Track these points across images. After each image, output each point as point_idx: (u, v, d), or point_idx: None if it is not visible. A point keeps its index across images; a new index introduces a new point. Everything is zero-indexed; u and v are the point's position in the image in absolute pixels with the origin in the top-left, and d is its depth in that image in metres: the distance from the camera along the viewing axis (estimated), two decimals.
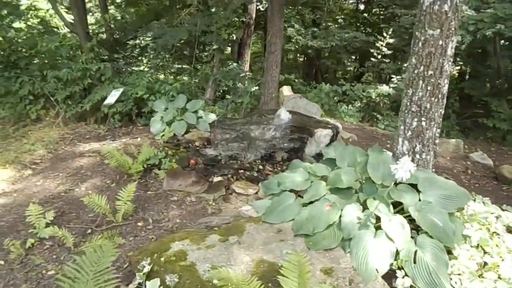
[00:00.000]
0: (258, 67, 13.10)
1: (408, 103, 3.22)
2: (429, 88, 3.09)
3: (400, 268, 2.45)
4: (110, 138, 5.57)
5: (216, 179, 4.00)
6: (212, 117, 5.92)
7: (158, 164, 4.20)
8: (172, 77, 8.69)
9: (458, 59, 8.90)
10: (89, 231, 3.15)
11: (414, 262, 2.43)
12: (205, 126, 5.66)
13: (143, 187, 3.90)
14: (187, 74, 9.39)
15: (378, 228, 2.58)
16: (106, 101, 5.46)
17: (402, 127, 3.30)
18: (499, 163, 5.71)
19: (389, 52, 9.09)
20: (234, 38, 8.42)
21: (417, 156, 3.23)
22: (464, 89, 8.52)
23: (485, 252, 2.59)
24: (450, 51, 3.04)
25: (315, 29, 11.27)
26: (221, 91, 9.10)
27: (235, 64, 8.93)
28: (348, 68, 12.08)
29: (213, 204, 3.57)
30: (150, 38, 9.25)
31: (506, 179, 4.68)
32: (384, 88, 8.32)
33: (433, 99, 3.10)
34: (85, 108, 6.41)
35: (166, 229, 3.18)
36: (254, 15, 9.85)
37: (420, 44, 3.09)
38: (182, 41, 8.93)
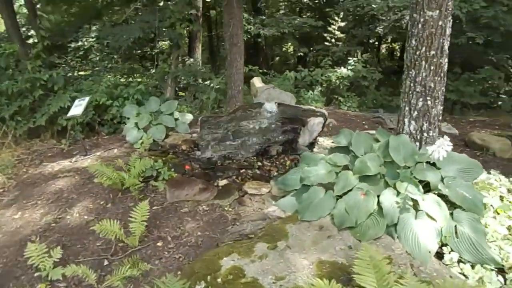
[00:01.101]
0: (206, 59, 12.75)
1: (412, 84, 3.32)
2: (432, 68, 3.20)
3: (444, 245, 2.54)
4: (79, 153, 5.02)
5: (222, 182, 3.80)
6: (189, 117, 5.63)
7: (155, 176, 3.87)
8: (130, 79, 8.07)
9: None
10: (106, 262, 2.81)
11: (457, 237, 2.53)
12: (185, 128, 5.37)
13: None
14: (141, 75, 8.81)
15: (415, 209, 2.64)
16: (71, 113, 4.89)
17: (407, 108, 3.40)
18: (460, 131, 6.22)
19: (342, 35, 9.36)
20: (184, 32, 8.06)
21: (425, 134, 3.35)
22: None
23: (508, 217, 2.78)
24: (448, 31, 3.16)
25: (263, 17, 11.21)
26: (176, 88, 8.68)
27: (191, 59, 8.56)
28: (299, 54, 12.23)
29: (230, 209, 3.38)
30: (94, 39, 8.47)
31: (477, 145, 5.10)
32: (343, 71, 8.57)
33: (436, 78, 3.22)
34: (39, 124, 5.72)
35: (191, 245, 2.95)
36: (201, 7, 9.52)
37: (419, 25, 3.18)
38: (132, 40, 8.32)
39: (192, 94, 7.92)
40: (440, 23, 3.11)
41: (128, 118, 5.37)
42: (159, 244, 2.98)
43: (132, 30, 7.04)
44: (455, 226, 2.57)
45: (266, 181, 3.76)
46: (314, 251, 2.39)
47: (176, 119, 5.41)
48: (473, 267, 2.39)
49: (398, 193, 2.73)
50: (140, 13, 7.98)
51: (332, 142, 4.06)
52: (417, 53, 3.23)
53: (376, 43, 13.07)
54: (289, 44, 12.06)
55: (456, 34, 7.61)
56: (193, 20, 7.75)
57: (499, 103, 7.75)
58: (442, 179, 2.84)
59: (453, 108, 8.06)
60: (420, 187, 2.79)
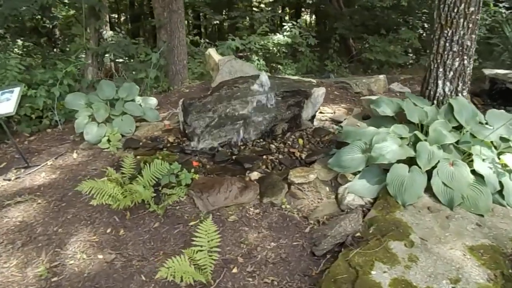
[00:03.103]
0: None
1: (448, 44, 3.20)
2: (470, 25, 3.12)
3: None
4: (16, 166, 3.64)
5: (253, 175, 3.17)
6: (153, 102, 4.63)
7: (175, 183, 2.99)
8: (29, 60, 6.18)
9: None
10: None
11: None
12: (155, 115, 4.40)
13: (174, 219, 2.74)
14: (41, 53, 6.89)
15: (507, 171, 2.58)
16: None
17: (441, 69, 3.29)
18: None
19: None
20: None
21: (459, 94, 3.32)
22: (338, 29, 9.32)
23: None
24: None
25: None
26: (100, 68, 7.16)
27: (110, 32, 7.06)
28: (215, 22, 11.38)
29: (288, 207, 2.83)
30: None
31: None
32: (280, 37, 8.26)
33: (473, 36, 3.16)
34: None
35: (275, 262, 2.35)
36: None
37: None
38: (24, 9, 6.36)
39: (122, 73, 6.58)
40: None
41: (76, 111, 4.09)
42: (234, 271, 2.30)
43: None
44: None
45: (303, 166, 3.28)
46: (451, 238, 2.11)
47: (139, 105, 4.35)
48: None
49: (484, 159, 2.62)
50: None
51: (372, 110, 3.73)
52: (455, 10, 3.10)
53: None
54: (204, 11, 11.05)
55: None
56: None
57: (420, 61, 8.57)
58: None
59: (382, 68, 8.59)
60: (493, 148, 2.74)
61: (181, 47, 6.24)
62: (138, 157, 3.42)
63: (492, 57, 6.98)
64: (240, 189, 2.90)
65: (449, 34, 3.17)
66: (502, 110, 3.17)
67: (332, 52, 9.21)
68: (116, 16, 11.07)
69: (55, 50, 7.58)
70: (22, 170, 3.56)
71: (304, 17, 15.24)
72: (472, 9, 3.07)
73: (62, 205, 2.96)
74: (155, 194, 2.82)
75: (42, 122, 5.09)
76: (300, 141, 3.86)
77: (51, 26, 7.49)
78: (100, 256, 2.43)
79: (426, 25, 9.33)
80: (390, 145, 2.74)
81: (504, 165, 2.60)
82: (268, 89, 4.08)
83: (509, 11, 8.52)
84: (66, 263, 2.41)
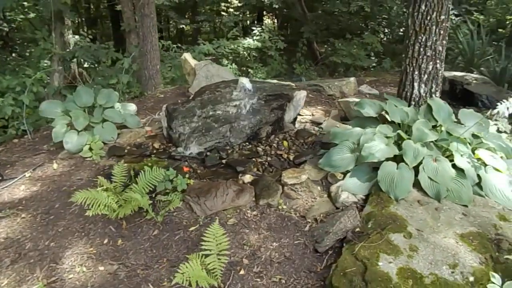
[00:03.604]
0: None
1: (422, 49, 3.45)
2: (441, 32, 3.39)
3: None
4: None
5: (246, 178, 3.21)
6: (132, 108, 4.52)
7: (170, 189, 2.95)
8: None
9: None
10: None
11: None
12: (136, 122, 4.31)
13: (173, 226, 2.72)
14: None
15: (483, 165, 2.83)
16: None
17: (416, 72, 3.53)
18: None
19: (240, 3, 9.02)
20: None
21: (433, 95, 3.59)
22: (304, 34, 9.60)
23: None
24: None
25: None
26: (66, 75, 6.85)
27: (76, 36, 6.78)
28: (180, 27, 11.26)
29: (284, 207, 2.90)
30: None
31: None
32: (251, 42, 8.36)
33: (444, 42, 3.44)
34: None
35: (280, 261, 2.41)
36: None
37: None
38: None
39: (90, 79, 6.34)
40: None
41: (52, 119, 3.91)
42: (241, 272, 2.33)
43: None
44: None
45: (292, 167, 3.38)
46: (443, 228, 2.29)
47: (120, 112, 4.24)
48: None
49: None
50: None
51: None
52: (428, 18, 3.35)
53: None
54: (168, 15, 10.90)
55: (350, 2, 8.37)
56: None
57: (382, 64, 9.04)
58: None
59: (348, 70, 8.96)
60: (468, 144, 2.99)
61: (154, 52, 6.15)
62: (125, 164, 3.34)
63: (448, 61, 7.54)
64: (236, 192, 2.94)
65: (423, 40, 3.42)
66: (471, 110, 3.47)
67: (300, 56, 9.47)
68: (76, 21, 10.62)
69: (13, 55, 7.13)
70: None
71: (266, 21, 15.49)
72: (443, 17, 3.34)
73: (50, 218, 2.83)
74: (151, 202, 2.78)
75: (7, 132, 4.80)
76: (285, 143, 3.96)
77: (7, 30, 7.03)
78: (101, 268, 2.36)
79: (386, 30, 9.87)
80: (378, 144, 2.91)
81: (479, 160, 2.85)
82: (251, 93, 4.15)
83: (458, 17, 9.26)
84: (65, 277, 2.31)
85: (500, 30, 11.60)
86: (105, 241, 2.58)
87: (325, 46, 11.85)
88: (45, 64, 6.24)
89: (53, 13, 5.39)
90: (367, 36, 9.07)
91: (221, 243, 2.23)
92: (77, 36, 6.81)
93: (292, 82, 7.03)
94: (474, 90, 5.56)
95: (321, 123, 4.49)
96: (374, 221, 2.41)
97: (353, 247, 2.23)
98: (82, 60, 6.39)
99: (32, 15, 6.71)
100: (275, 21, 16.42)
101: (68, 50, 6.10)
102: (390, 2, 9.19)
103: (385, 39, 10.04)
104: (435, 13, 3.32)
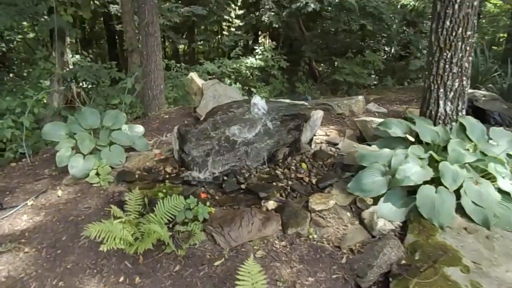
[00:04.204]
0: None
1: (447, 66, 3.32)
2: (467, 48, 3.27)
3: None
4: None
5: (270, 205, 2.99)
6: (140, 130, 4.29)
7: (191, 218, 2.70)
8: None
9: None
10: None
11: None
12: (144, 144, 4.08)
13: (196, 260, 2.46)
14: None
15: None
16: None
17: (441, 90, 3.39)
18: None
19: (241, 23, 8.98)
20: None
21: (460, 114, 3.44)
22: (305, 53, 9.57)
23: None
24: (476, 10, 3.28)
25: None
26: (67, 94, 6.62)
27: (77, 56, 6.60)
28: (180, 47, 11.18)
29: (315, 236, 2.67)
30: None
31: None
32: (253, 60, 8.27)
33: (470, 58, 3.32)
34: None
35: None
36: None
37: (456, 6, 3.17)
38: None
39: (92, 100, 6.12)
40: (475, 2, 3.18)
41: (56, 142, 3.66)
42: None
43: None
44: None
45: (316, 192, 3.16)
46: (503, 260, 2.09)
47: (128, 134, 4.02)
48: None
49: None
50: None
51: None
52: (453, 34, 3.23)
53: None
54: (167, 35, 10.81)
55: (350, 22, 8.38)
56: (80, 3, 5.87)
57: (385, 82, 9.01)
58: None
59: (350, 89, 8.90)
60: (506, 165, 2.82)
61: (158, 72, 5.98)
62: (138, 191, 3.09)
63: None
64: (262, 221, 2.70)
65: (448, 56, 3.30)
66: (501, 128, 3.32)
67: (302, 75, 9.40)
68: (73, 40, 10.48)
69: (10, 75, 6.90)
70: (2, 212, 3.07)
71: (261, 40, 15.53)
72: (469, 32, 3.23)
73: (57, 252, 2.55)
74: (170, 233, 2.53)
75: (4, 155, 4.52)
76: (304, 165, 3.76)
77: (5, 50, 6.82)
78: None
79: (386, 48, 9.90)
80: (412, 166, 2.72)
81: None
82: (266, 114, 3.98)
83: None
84: None
85: (493, 47, 11.78)
86: (121, 279, 2.31)
87: (321, 65, 11.88)
88: (44, 85, 6.02)
89: (55, 32, 5.22)
90: (368, 54, 9.06)
91: (258, 281, 1.98)
92: (77, 56, 6.63)
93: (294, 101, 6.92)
94: (485, 107, 5.46)
95: (337, 144, 4.31)
96: (421, 252, 2.19)
97: (403, 283, 2.00)
98: (79, 80, 6.17)
99: (31, 35, 6.51)
100: (270, 40, 16.55)
101: (67, 69, 5.89)
102: (390, 20, 9.24)
103: (385, 57, 10.06)
104: (460, 28, 3.21)
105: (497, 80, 6.70)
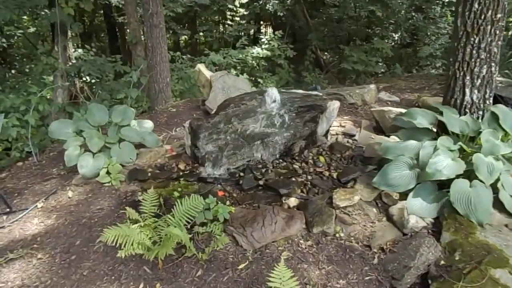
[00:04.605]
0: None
1: (475, 51, 3.12)
2: (497, 32, 3.07)
3: None
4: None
5: (291, 202, 2.84)
6: (149, 125, 4.14)
7: (211, 219, 2.56)
8: None
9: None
10: None
11: None
12: (155, 141, 3.93)
13: (218, 263, 2.32)
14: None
15: None
16: None
17: (468, 77, 3.20)
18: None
19: (246, 12, 8.73)
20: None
21: (487, 102, 3.26)
22: (312, 41, 9.33)
23: None
24: None
25: None
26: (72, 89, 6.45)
27: (79, 50, 6.41)
28: (182, 38, 10.94)
29: (342, 235, 2.53)
30: None
31: (431, 108, 5.53)
32: (259, 50, 8.06)
33: (499, 43, 3.12)
34: None
35: None
36: None
37: None
38: None
39: (97, 95, 5.95)
40: None
41: (64, 141, 3.51)
42: None
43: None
44: None
45: (337, 186, 3.02)
46: None
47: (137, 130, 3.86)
48: None
49: None
50: None
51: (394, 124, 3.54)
52: (482, 17, 3.04)
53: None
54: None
55: (356, 8, 8.13)
56: None
57: (395, 69, 8.78)
58: None
59: (359, 77, 8.69)
60: None
61: (164, 64, 5.80)
62: (152, 190, 2.95)
63: None
64: (286, 220, 2.56)
65: (476, 42, 3.10)
66: None
67: (308, 64, 9.18)
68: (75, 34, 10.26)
69: (12, 71, 6.72)
70: (5, 216, 2.95)
71: (263, 30, 15.23)
72: (499, 15, 3.03)
73: (72, 258, 2.43)
74: (190, 235, 2.40)
75: (10, 154, 4.39)
76: (322, 158, 3.61)
77: (5, 45, 6.63)
78: None
79: (394, 35, 9.65)
80: (444, 159, 2.56)
81: None
82: (280, 105, 3.81)
83: None
84: None
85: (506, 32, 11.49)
86: (141, 286, 2.18)
87: (325, 53, 11.62)
88: (47, 80, 5.85)
89: (57, 26, 5.03)
90: (376, 41, 8.82)
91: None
92: (80, 50, 6.44)
93: (309, 92, 6.72)
94: (503, 93, 5.25)
95: (354, 135, 4.15)
96: (461, 252, 2.05)
97: (444, 285, 1.86)
98: (82, 74, 6.00)
99: (32, 29, 6.30)
100: (272, 30, 16.24)
101: (70, 64, 5.71)
102: (398, 6, 8.98)
103: (392, 44, 9.81)
104: (490, 11, 3.00)
105: None
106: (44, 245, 2.56)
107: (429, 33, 9.37)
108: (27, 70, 6.54)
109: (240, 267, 2.28)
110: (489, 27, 3.03)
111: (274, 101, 3.84)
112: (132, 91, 5.54)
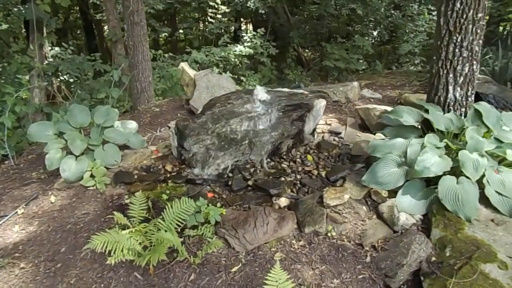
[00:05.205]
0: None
1: (457, 50, 3.19)
2: (478, 31, 3.15)
3: None
4: None
5: (282, 202, 2.83)
6: (133, 126, 4.04)
7: (202, 222, 2.52)
8: None
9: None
10: None
11: None
12: (140, 142, 3.84)
13: (211, 267, 2.29)
14: None
15: None
16: None
17: (451, 75, 3.27)
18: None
19: (228, 10, 8.65)
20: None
21: (469, 99, 3.34)
22: (293, 39, 9.35)
23: None
24: None
25: None
26: (49, 88, 6.22)
27: (56, 48, 6.18)
28: (162, 35, 10.73)
29: (333, 234, 2.54)
30: None
31: (414, 105, 5.63)
32: (242, 48, 8.00)
33: (480, 41, 3.20)
34: None
35: None
36: None
37: None
38: None
39: (76, 95, 5.76)
40: None
41: (44, 144, 3.38)
42: None
43: None
44: None
45: (327, 185, 3.03)
46: None
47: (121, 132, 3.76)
48: None
49: None
50: None
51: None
52: (464, 16, 3.10)
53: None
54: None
55: (337, 6, 8.19)
56: None
57: (376, 67, 8.91)
58: None
59: (340, 74, 8.77)
60: None
61: (146, 62, 5.67)
62: (140, 193, 2.87)
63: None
64: (278, 221, 2.55)
65: (458, 40, 3.17)
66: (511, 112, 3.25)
67: (290, 61, 9.20)
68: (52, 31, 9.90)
69: None
70: None
71: (244, 27, 15.16)
72: (480, 15, 3.11)
73: (57, 266, 2.33)
74: (181, 239, 2.35)
75: None
76: (309, 157, 3.62)
77: None
78: None
79: (374, 33, 9.79)
80: (431, 157, 2.61)
81: None
82: (267, 104, 3.80)
83: None
84: None
85: None
86: None
87: (307, 50, 11.69)
88: (23, 80, 5.61)
89: (33, 23, 4.82)
90: (357, 38, 8.92)
91: None
92: (56, 48, 6.21)
93: (292, 89, 6.73)
94: (480, 90, 5.42)
95: (340, 133, 4.18)
96: (451, 248, 2.09)
97: (438, 282, 1.90)
98: (60, 74, 5.79)
99: (4, 26, 5.99)
100: (252, 27, 16.19)
101: (47, 63, 5.50)
102: (378, 4, 9.11)
103: (372, 41, 9.95)
104: (471, 11, 3.07)
105: (488, 62, 6.69)
106: (26, 253, 2.46)
107: (407, 31, 9.57)
108: None
109: (234, 270, 2.26)
110: (470, 26, 3.10)
111: (261, 100, 3.82)
112: (113, 90, 5.38)
